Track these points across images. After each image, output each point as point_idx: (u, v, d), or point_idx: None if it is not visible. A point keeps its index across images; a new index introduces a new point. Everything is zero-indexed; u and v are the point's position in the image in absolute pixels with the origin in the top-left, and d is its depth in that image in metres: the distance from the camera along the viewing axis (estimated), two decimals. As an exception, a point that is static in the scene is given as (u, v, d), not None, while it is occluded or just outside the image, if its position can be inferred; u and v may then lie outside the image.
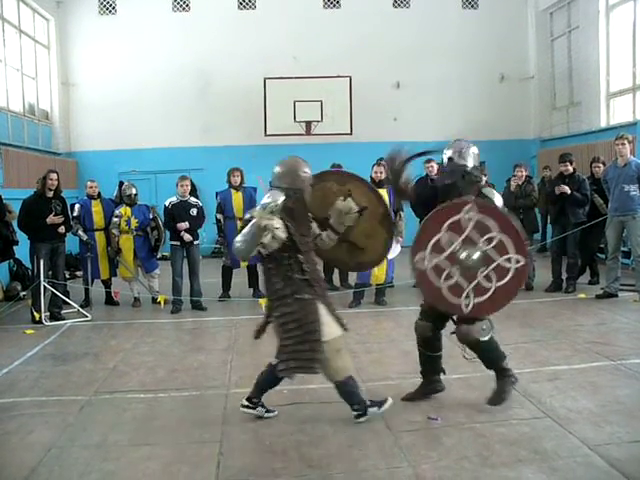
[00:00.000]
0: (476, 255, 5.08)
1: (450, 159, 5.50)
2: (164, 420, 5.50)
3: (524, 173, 11.02)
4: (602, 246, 11.25)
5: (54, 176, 9.88)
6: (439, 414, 5.31)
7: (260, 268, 5.51)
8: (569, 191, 10.30)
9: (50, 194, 9.85)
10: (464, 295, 5.12)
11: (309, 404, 5.67)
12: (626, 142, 9.78)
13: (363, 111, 17.49)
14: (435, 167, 11.18)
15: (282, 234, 4.90)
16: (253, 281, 11.07)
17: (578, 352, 7.09)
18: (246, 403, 5.43)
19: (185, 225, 10.22)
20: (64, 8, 18.38)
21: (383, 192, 9.93)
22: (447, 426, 5.10)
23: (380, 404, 5.27)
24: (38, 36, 17.61)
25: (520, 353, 7.14)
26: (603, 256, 11.37)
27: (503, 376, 5.44)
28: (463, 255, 5.10)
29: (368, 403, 5.25)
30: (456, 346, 7.48)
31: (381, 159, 10.86)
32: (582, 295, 10.24)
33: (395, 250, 9.97)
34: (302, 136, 17.21)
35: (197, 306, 10.35)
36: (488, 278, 5.09)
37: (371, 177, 10.12)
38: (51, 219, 9.67)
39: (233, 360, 7.32)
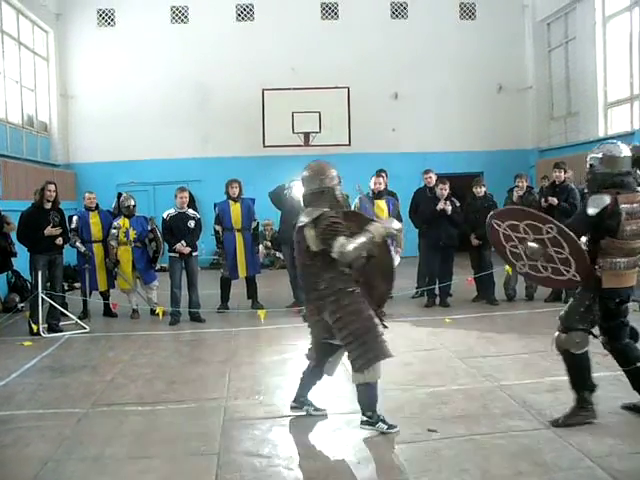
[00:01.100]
0: (541, 253, 5.15)
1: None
2: (162, 433, 5.46)
3: (525, 184, 10.98)
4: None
5: (52, 187, 9.85)
6: (439, 426, 5.27)
7: (299, 269, 5.53)
8: (556, 202, 10.28)
9: (48, 206, 9.81)
10: (521, 262, 5.36)
11: (308, 416, 5.63)
12: (624, 151, 9.75)
13: (361, 122, 17.54)
14: (434, 178, 11.19)
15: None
16: (252, 292, 11.06)
17: (578, 363, 7.05)
18: (294, 404, 5.63)
19: (186, 249, 10.22)
20: (63, 20, 18.46)
21: (382, 203, 9.98)
22: (446, 438, 5.06)
23: (390, 426, 5.22)
24: (37, 48, 17.67)
25: (520, 364, 7.12)
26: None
27: (579, 406, 5.26)
28: (532, 245, 5.16)
29: (381, 417, 5.24)
30: (456, 358, 7.50)
31: (380, 170, 10.87)
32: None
33: (395, 261, 9.98)
34: (300, 147, 17.24)
35: (195, 318, 10.31)
36: (544, 267, 5.22)
37: (370, 188, 10.11)
38: (49, 231, 9.62)
39: (231, 372, 7.27)
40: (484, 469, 4.48)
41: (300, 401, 5.68)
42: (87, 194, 11.19)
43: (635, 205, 5.08)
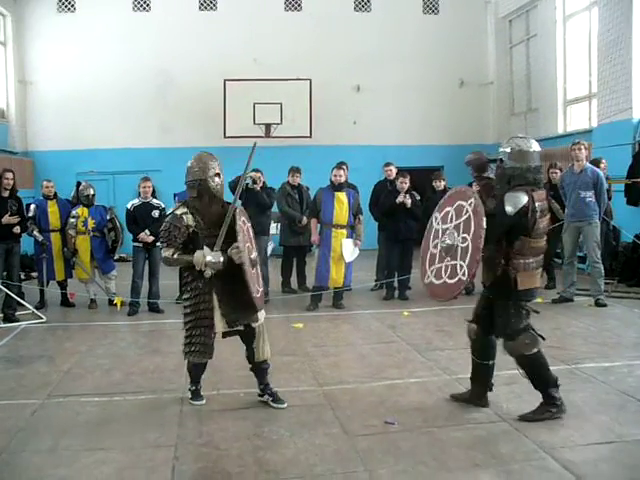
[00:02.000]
0: (454, 248, 5.18)
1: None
2: (119, 424, 5.41)
3: (484, 178, 11.05)
4: (559, 251, 11.38)
5: (10, 175, 9.74)
6: (396, 418, 5.31)
7: None
8: None
9: (5, 194, 9.69)
10: (427, 274, 5.42)
11: (266, 408, 5.64)
12: (582, 148, 9.91)
13: (323, 114, 17.52)
14: (394, 171, 11.24)
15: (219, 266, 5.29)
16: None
17: (534, 356, 7.15)
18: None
19: (149, 238, 10.12)
20: (21, 4, 18.07)
21: (342, 195, 9.98)
22: (404, 430, 5.10)
23: (196, 398, 5.86)
24: (-6, 32, 17.31)
25: (477, 357, 7.17)
26: (559, 261, 11.52)
27: (546, 403, 5.26)
28: (447, 241, 5.24)
29: (194, 390, 5.87)
30: (414, 351, 7.54)
31: (341, 162, 10.88)
32: (539, 300, 10.29)
33: (354, 253, 10.02)
34: (261, 138, 17.14)
35: (154, 308, 10.25)
36: (446, 269, 5.25)
37: (330, 180, 10.12)
38: (6, 219, 9.52)
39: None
40: (441, 461, 4.53)
41: (261, 389, 5.78)
42: (45, 182, 11.03)
43: (544, 202, 5.20)
